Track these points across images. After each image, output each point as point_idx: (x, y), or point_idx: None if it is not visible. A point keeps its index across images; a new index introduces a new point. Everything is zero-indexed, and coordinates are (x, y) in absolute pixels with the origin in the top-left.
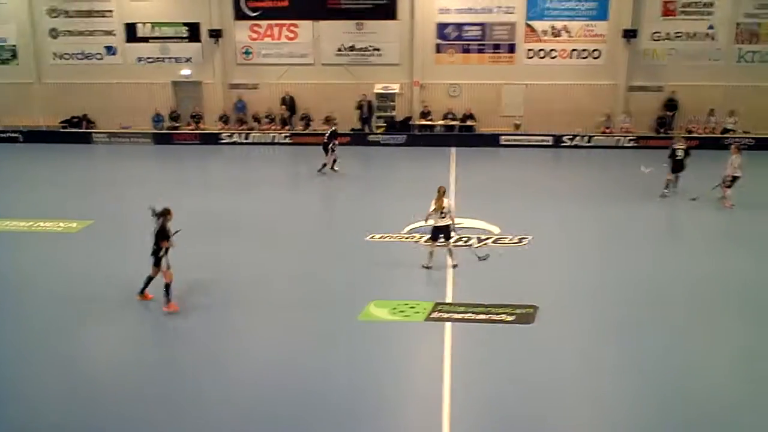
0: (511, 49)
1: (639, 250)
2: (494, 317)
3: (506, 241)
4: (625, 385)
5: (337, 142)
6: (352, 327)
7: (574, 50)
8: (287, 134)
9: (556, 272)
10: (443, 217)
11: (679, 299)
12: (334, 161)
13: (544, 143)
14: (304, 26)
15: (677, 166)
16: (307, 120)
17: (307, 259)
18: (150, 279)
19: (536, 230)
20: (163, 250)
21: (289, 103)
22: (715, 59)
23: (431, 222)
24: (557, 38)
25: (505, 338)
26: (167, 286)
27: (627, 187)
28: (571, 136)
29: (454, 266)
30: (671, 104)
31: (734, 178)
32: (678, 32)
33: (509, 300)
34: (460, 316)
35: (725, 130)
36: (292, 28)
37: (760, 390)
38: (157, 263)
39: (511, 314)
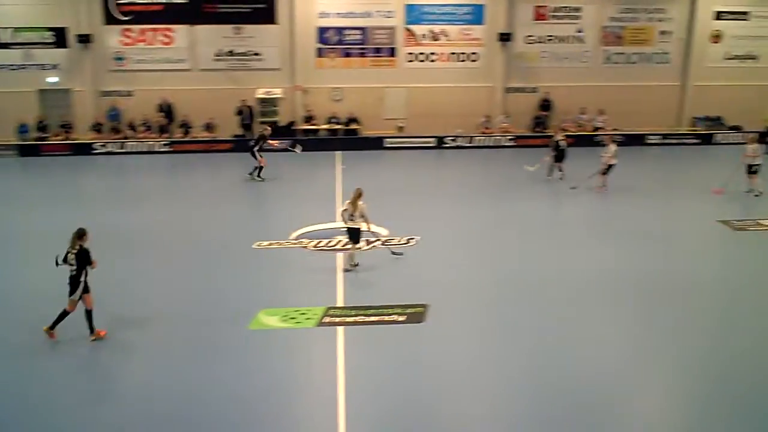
0: (392, 52)
1: (523, 243)
2: (386, 318)
3: (395, 242)
4: (511, 378)
5: (262, 145)
6: (242, 337)
7: (453, 53)
8: (166, 142)
9: (445, 270)
10: (352, 220)
11: (559, 291)
12: (257, 168)
13: (428, 145)
14: (180, 31)
15: (560, 156)
16: (186, 127)
17: (195, 271)
18: (65, 314)
19: (424, 230)
20: (84, 274)
21: (167, 110)
22: (584, 61)
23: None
24: (436, 42)
25: (398, 338)
26: (89, 313)
27: (509, 184)
28: (453, 137)
29: (348, 269)
30: (546, 104)
31: (610, 166)
32: (550, 36)
33: (400, 300)
34: (351, 319)
35: (596, 128)
36: (167, 32)
37: (640, 383)
38: (78, 290)
39: (402, 314)
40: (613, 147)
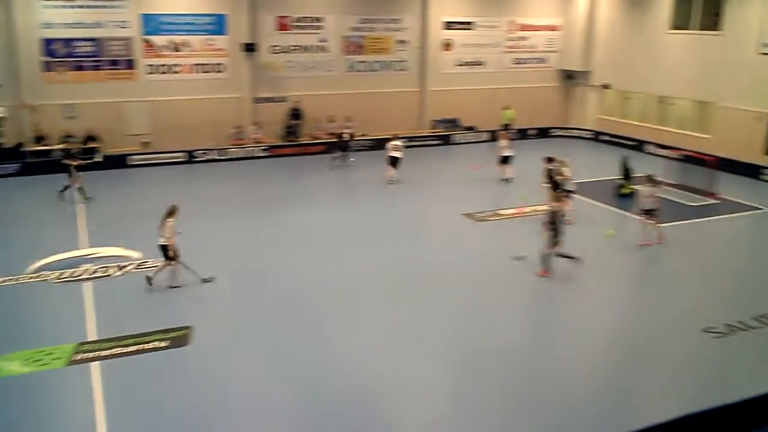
0: (131, 64)
1: (285, 252)
2: (146, 346)
3: (149, 264)
4: (284, 388)
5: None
6: None
7: (197, 65)
8: None
9: (207, 288)
10: (161, 236)
11: (328, 295)
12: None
13: (177, 160)
14: None
15: (504, 161)
16: None
17: None
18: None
19: (182, 249)
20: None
21: None
22: (329, 70)
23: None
24: (178, 53)
25: (161, 366)
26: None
27: (264, 195)
28: (204, 151)
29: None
30: (296, 113)
31: (507, 158)
32: (294, 45)
33: (161, 325)
34: (108, 352)
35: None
36: None
37: (414, 369)
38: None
39: (164, 339)
40: (505, 141)
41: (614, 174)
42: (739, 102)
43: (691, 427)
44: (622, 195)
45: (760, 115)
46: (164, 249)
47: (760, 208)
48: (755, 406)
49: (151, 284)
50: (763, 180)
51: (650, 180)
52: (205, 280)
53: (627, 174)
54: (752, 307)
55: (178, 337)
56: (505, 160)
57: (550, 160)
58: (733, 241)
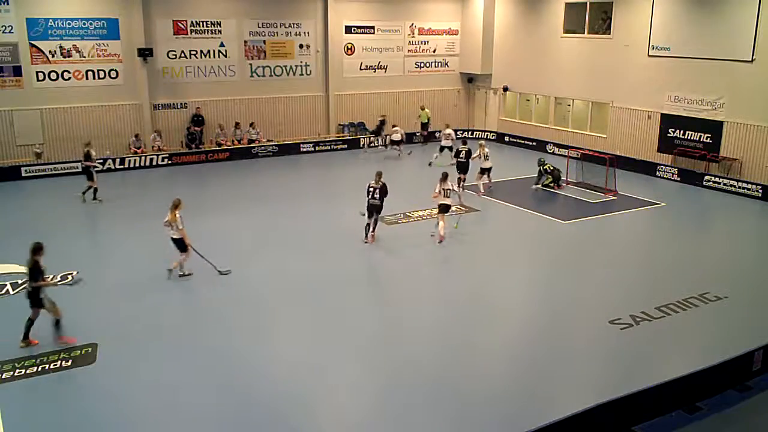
0: (18, 71)
1: (191, 264)
2: (49, 366)
3: (49, 279)
4: (200, 402)
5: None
6: None
7: (89, 71)
8: None
9: (112, 303)
10: (172, 230)
11: (238, 309)
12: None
13: (73, 170)
14: None
15: (462, 167)
16: None
17: None
18: (31, 321)
19: (81, 264)
20: (42, 289)
21: None
22: (231, 75)
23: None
24: (69, 59)
25: (66, 386)
26: (58, 322)
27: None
28: (102, 160)
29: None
30: (198, 120)
31: (486, 170)
32: (193, 50)
33: (63, 344)
34: (6, 375)
35: (251, 141)
36: None
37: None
38: (37, 303)
39: (68, 358)
40: (484, 150)
41: (522, 173)
42: (632, 102)
43: (601, 418)
44: (544, 187)
45: (651, 114)
46: (178, 242)
47: (657, 203)
48: (664, 392)
49: (182, 275)
50: (658, 176)
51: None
52: (222, 273)
53: (546, 172)
54: (654, 298)
55: (83, 356)
56: (441, 149)
57: (464, 142)
58: (634, 235)
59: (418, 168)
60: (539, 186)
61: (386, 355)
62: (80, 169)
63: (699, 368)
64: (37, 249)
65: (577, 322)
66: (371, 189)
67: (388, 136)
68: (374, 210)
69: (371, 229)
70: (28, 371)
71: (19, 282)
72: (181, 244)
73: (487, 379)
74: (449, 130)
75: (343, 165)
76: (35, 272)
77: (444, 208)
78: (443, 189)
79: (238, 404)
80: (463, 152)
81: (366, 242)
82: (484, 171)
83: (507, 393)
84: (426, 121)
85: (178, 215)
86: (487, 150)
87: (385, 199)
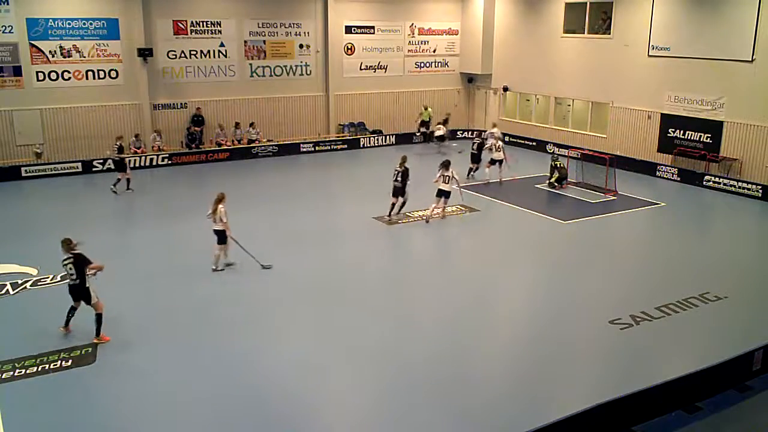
0: (18, 71)
1: (190, 264)
2: (49, 366)
3: (48, 281)
4: (200, 401)
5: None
6: None
7: (89, 71)
8: None
9: (112, 302)
10: (215, 222)
11: (235, 308)
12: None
13: (74, 170)
14: None
15: (473, 158)
16: None
17: None
18: (74, 310)
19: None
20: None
21: None
22: (231, 75)
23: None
24: (69, 59)
25: (66, 386)
26: (99, 317)
27: (173, 206)
28: (102, 161)
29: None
30: (198, 120)
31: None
32: (193, 50)
33: (63, 344)
34: (6, 375)
35: (251, 141)
36: None
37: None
38: (85, 297)
39: (68, 359)
40: (498, 142)
41: (523, 173)
42: (631, 102)
43: (601, 418)
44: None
45: (651, 114)
46: (219, 233)
47: (657, 203)
48: (664, 392)
49: (227, 266)
50: (658, 176)
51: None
52: (264, 267)
53: (556, 168)
54: (654, 298)
55: (83, 356)
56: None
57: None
58: (634, 235)
59: (421, 168)
60: (552, 180)
61: (386, 355)
62: (112, 163)
63: (699, 368)
64: (70, 241)
65: (577, 322)
66: (395, 172)
67: (432, 132)
68: (397, 192)
69: (396, 209)
70: (28, 371)
71: (19, 282)
72: (222, 236)
73: (487, 378)
74: (495, 129)
75: (344, 165)
76: (84, 260)
77: (440, 193)
78: (443, 175)
79: (239, 404)
80: (476, 144)
81: (388, 218)
82: (494, 162)
83: (507, 393)
84: (428, 119)
85: (221, 208)
86: (500, 143)
87: (407, 183)
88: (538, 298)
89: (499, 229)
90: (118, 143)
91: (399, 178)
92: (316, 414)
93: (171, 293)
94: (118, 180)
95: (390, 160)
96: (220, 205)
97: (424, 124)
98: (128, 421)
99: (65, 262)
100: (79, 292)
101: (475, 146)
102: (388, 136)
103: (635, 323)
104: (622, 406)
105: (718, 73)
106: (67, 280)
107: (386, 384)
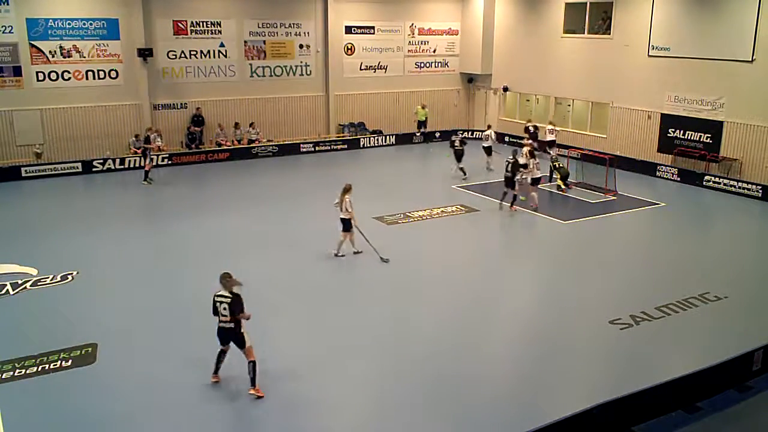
0: (18, 72)
1: (189, 265)
2: (49, 366)
3: (48, 281)
4: (197, 400)
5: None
6: None
7: (89, 71)
8: None
9: (112, 302)
10: (341, 211)
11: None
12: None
13: (73, 170)
14: None
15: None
16: None
17: None
18: (224, 353)
19: (82, 264)
20: (243, 324)
21: None
22: (231, 75)
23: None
24: (69, 59)
25: (66, 386)
26: (254, 365)
27: (172, 206)
28: (102, 161)
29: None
30: (198, 120)
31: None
32: (192, 50)
33: (63, 344)
34: (6, 375)
35: (250, 141)
36: None
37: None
38: (239, 342)
39: (68, 358)
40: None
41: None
42: (631, 102)
43: (601, 418)
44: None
45: (651, 114)
46: (345, 222)
47: (657, 203)
48: (664, 392)
49: (341, 254)
50: (658, 177)
51: (532, 155)
52: (383, 260)
53: (555, 168)
54: (654, 297)
55: (83, 356)
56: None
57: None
58: (633, 235)
59: (421, 168)
60: (559, 182)
61: (387, 355)
62: (140, 153)
63: (699, 368)
64: (230, 276)
65: (577, 322)
66: (454, 139)
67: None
68: (459, 156)
69: (461, 171)
70: (28, 371)
71: (19, 282)
72: (347, 224)
73: (487, 378)
74: (490, 131)
75: (344, 165)
76: (239, 305)
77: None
78: (535, 164)
79: (239, 403)
80: (509, 165)
81: (464, 178)
82: (536, 181)
83: (507, 392)
84: (423, 119)
85: (348, 198)
86: (537, 160)
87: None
88: (537, 298)
89: (498, 229)
90: (147, 133)
91: (457, 144)
92: (314, 413)
93: (170, 294)
94: (146, 172)
95: (390, 160)
96: (347, 196)
97: (421, 124)
98: (128, 421)
99: (220, 301)
100: (232, 337)
101: (508, 167)
102: (388, 136)
103: (635, 323)
104: (622, 406)
105: (718, 74)
106: (218, 321)
107: (386, 384)
